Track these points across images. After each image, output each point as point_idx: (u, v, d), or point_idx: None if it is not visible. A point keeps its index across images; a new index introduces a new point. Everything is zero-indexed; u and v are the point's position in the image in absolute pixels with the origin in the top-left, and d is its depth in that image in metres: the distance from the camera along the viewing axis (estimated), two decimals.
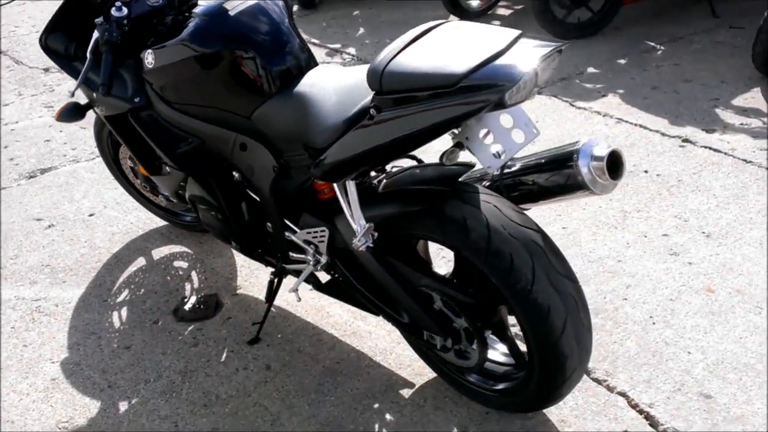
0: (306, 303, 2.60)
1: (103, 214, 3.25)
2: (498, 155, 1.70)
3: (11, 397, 2.33)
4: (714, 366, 2.26)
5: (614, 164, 1.81)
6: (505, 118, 1.75)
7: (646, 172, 3.28)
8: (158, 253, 2.98)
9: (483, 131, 1.74)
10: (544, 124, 3.74)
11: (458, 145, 1.77)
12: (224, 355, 2.44)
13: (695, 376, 2.23)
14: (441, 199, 1.84)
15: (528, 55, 1.59)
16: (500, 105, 1.58)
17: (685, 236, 2.85)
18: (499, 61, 1.58)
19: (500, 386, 2.07)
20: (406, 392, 2.25)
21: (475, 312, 1.96)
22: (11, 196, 3.46)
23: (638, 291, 2.59)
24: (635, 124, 3.68)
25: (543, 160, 1.89)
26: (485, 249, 1.77)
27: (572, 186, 1.84)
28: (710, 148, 3.42)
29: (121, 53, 2.23)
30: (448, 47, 1.66)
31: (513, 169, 1.96)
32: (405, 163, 2.03)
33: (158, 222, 3.13)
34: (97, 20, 2.19)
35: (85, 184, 3.46)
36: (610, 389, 2.21)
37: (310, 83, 2.01)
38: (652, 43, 4.66)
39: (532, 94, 1.64)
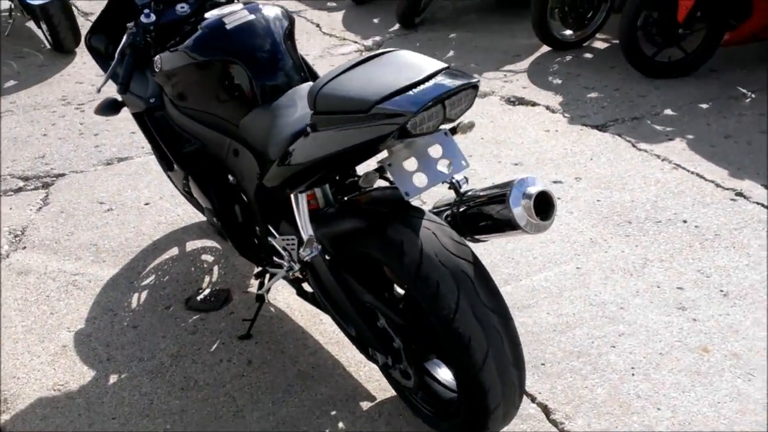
0: (302, 308, 2.73)
1: (156, 204, 3.52)
2: (417, 185, 1.78)
3: (25, 356, 2.60)
4: (679, 427, 2.21)
5: (544, 205, 1.84)
6: (434, 149, 1.82)
7: (684, 222, 3.19)
8: (191, 245, 3.20)
9: (408, 159, 1.82)
10: (598, 162, 3.70)
11: (380, 170, 1.85)
12: (215, 345, 2.61)
13: None
14: (386, 221, 1.92)
15: (438, 88, 1.66)
16: (406, 133, 1.66)
17: (701, 292, 2.76)
18: (410, 92, 1.66)
19: (438, 410, 2.12)
20: (365, 404, 2.33)
21: (410, 335, 2.02)
22: (86, 178, 3.80)
23: (629, 340, 2.54)
24: (692, 172, 3.57)
25: (487, 195, 1.94)
26: (415, 273, 1.83)
27: (506, 223, 1.87)
28: (762, 205, 3.27)
29: (146, 56, 2.45)
30: (379, 75, 1.75)
31: (468, 200, 2.02)
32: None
33: (201, 218, 3.35)
34: (128, 24, 2.43)
35: (151, 176, 3.75)
36: None
37: (289, 98, 2.15)
38: (744, 90, 4.47)
39: (442, 125, 1.71)
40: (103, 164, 3.95)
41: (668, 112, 4.25)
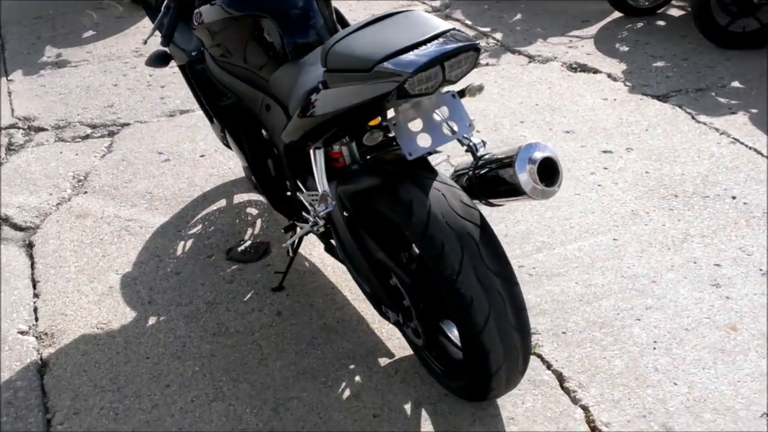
0: (334, 264, 2.80)
1: (211, 156, 3.65)
2: (420, 145, 1.82)
3: (74, 295, 2.77)
4: (693, 403, 2.20)
5: (550, 171, 1.85)
6: (441, 111, 1.85)
7: (733, 198, 3.12)
8: (239, 198, 3.31)
9: (414, 119, 1.85)
10: (653, 134, 3.63)
11: (384, 128, 1.90)
12: (248, 295, 2.72)
13: (668, 408, 2.18)
14: (399, 180, 1.96)
15: (437, 49, 1.69)
16: (405, 93, 1.70)
17: (738, 270, 2.71)
18: (411, 52, 1.69)
19: (449, 369, 2.17)
20: (383, 361, 2.40)
21: (419, 294, 2.07)
22: (149, 128, 3.96)
23: (656, 314, 2.53)
24: (749, 147, 3.47)
25: (498, 159, 1.96)
26: (422, 233, 1.88)
27: (514, 187, 1.89)
28: None
29: (191, 9, 2.53)
30: (387, 34, 1.79)
31: (482, 164, 2.04)
32: None
33: None
34: None
35: (208, 129, 3.87)
36: (575, 401, 2.23)
37: (315, 55, 2.20)
38: None
39: (442, 86, 1.74)
40: (165, 116, 4.10)
41: (735, 84, 4.11)
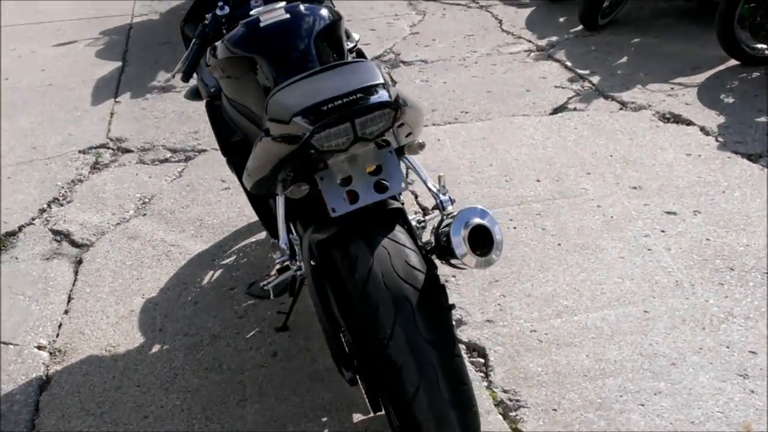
0: None
1: None
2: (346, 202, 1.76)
3: (98, 315, 2.90)
4: None
5: (485, 239, 1.73)
6: (377, 167, 1.79)
7: None
8: None
9: (346, 174, 1.79)
10: (729, 197, 3.32)
11: (311, 181, 1.84)
12: (252, 332, 2.73)
13: None
14: (352, 234, 1.91)
15: (345, 106, 1.63)
16: (314, 148, 1.65)
17: None
18: (324, 107, 1.64)
19: None
20: (357, 417, 2.34)
21: (362, 355, 1.99)
22: (220, 156, 4.08)
23: (664, 402, 2.30)
24: None
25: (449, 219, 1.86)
26: (360, 291, 1.81)
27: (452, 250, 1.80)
28: None
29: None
30: (321, 85, 1.76)
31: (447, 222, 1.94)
32: None
33: None
34: (207, 14, 2.59)
35: None
36: None
37: None
38: None
39: (357, 143, 1.68)
40: None
41: None
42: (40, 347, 2.74)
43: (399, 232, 1.94)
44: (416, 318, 1.77)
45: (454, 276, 2.93)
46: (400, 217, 2.02)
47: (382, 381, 1.87)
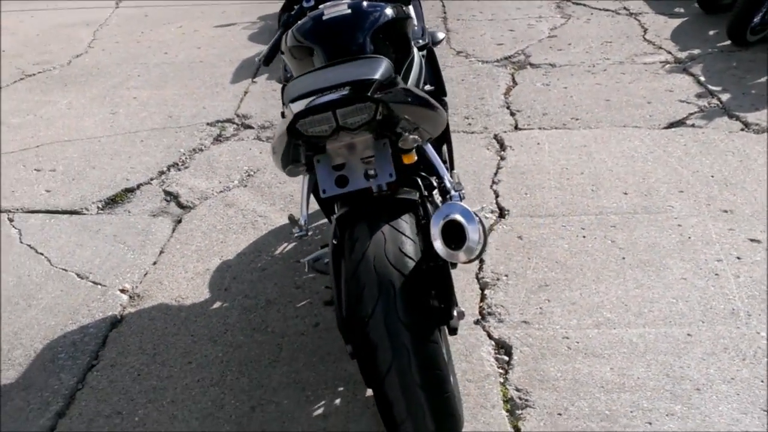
0: None
1: None
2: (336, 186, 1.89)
3: (179, 269, 3.21)
4: None
5: (459, 234, 1.79)
6: (372, 156, 1.90)
7: None
8: None
9: (342, 160, 1.92)
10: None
11: (308, 164, 1.97)
12: (303, 303, 2.92)
13: None
14: (359, 217, 2.04)
15: (330, 97, 1.75)
16: (299, 134, 1.79)
17: None
18: (313, 96, 1.78)
19: None
20: (370, 392, 2.45)
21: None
22: None
23: (672, 423, 2.27)
24: None
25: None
26: (352, 271, 1.94)
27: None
28: None
29: None
30: (324, 77, 1.90)
31: None
32: None
33: None
34: (296, 6, 2.79)
35: None
36: None
37: None
38: None
39: (342, 131, 1.79)
40: None
41: None
42: (123, 290, 3.07)
43: (404, 221, 2.04)
44: (396, 301, 1.87)
45: (506, 275, 2.97)
46: (412, 207, 2.11)
47: (361, 357, 1.99)
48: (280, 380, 2.54)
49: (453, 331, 2.19)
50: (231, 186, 3.85)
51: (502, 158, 3.94)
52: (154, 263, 3.25)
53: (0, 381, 2.61)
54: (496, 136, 4.20)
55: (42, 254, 3.33)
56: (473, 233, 1.82)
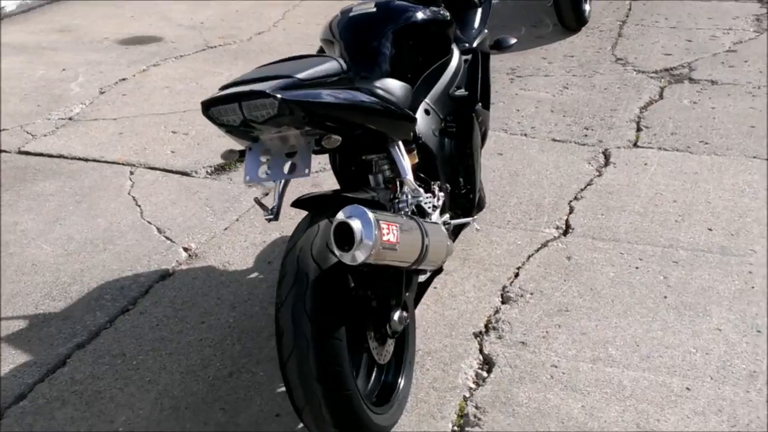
0: None
1: None
2: (259, 175, 1.98)
3: (241, 238, 3.44)
4: None
5: (349, 237, 1.80)
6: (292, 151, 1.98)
7: None
8: None
9: (269, 150, 2.00)
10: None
11: (242, 152, 2.05)
12: None
13: None
14: (308, 208, 2.13)
15: (237, 90, 1.85)
16: (213, 119, 1.91)
17: None
18: (232, 87, 1.88)
19: None
20: None
21: None
22: None
23: None
24: None
25: None
26: (283, 258, 2.04)
27: None
28: None
29: None
30: (258, 70, 1.99)
31: None
32: None
33: None
34: None
35: None
36: None
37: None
38: None
39: (250, 124, 1.89)
40: None
41: None
42: (186, 249, 3.36)
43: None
44: (306, 293, 1.93)
45: (531, 294, 2.88)
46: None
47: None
48: (268, 353, 2.68)
49: (392, 335, 2.21)
50: (327, 168, 4.02)
51: (599, 174, 3.76)
52: (225, 229, 3.51)
53: (47, 309, 2.99)
54: (605, 151, 4.00)
55: (139, 206, 3.72)
56: (368, 239, 1.81)
